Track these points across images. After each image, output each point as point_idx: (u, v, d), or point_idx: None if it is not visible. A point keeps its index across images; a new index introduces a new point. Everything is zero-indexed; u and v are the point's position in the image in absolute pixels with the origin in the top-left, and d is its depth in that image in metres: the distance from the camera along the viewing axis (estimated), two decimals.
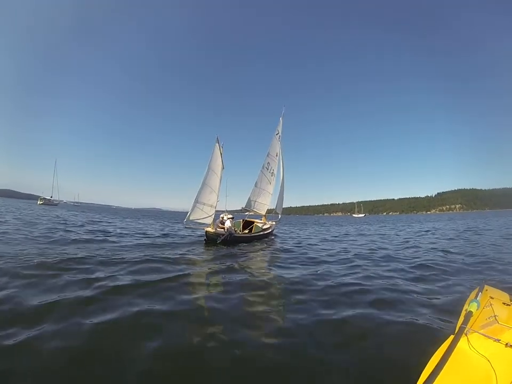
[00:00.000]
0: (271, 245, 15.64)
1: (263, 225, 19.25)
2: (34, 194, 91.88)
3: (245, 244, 14.92)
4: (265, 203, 20.41)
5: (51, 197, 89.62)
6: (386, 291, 6.16)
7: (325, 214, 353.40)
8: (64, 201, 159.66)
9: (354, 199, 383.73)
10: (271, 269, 9.10)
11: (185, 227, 19.83)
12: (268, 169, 20.00)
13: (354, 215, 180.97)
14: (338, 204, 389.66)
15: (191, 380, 3.11)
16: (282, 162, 21.56)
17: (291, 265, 9.36)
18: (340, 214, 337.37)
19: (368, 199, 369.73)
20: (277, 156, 20.61)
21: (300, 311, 5.05)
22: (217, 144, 15.90)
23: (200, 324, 4.51)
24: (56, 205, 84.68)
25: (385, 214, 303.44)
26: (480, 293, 3.46)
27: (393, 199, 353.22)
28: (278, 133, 20.77)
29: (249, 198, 19.41)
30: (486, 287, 3.74)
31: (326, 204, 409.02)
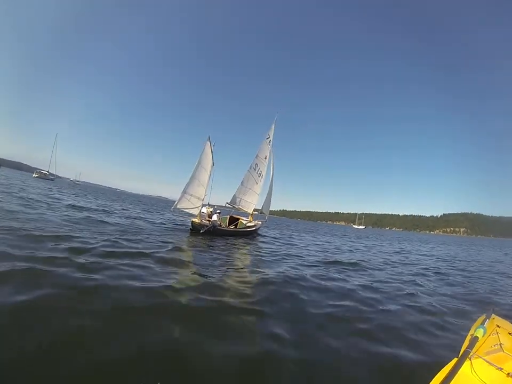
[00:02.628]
0: (249, 240, 17.46)
1: (248, 222, 20.89)
2: (42, 169, 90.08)
3: (227, 237, 16.60)
4: (251, 202, 21.93)
5: (47, 172, 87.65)
6: None
7: (328, 222, 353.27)
8: (71, 179, 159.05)
9: (360, 210, 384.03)
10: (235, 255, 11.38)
11: (172, 214, 21.92)
12: (255, 170, 21.61)
13: (354, 226, 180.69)
14: (343, 213, 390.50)
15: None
16: (273, 166, 23.18)
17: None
18: (342, 223, 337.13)
19: (373, 212, 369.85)
20: (266, 158, 22.18)
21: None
22: (209, 142, 17.64)
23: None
24: (52, 179, 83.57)
25: (388, 228, 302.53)
26: (487, 320, 3.52)
27: (398, 215, 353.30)
28: (269, 137, 22.33)
29: (234, 195, 21.03)
30: (493, 315, 3.78)
31: (331, 211, 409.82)
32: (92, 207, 21.75)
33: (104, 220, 14.97)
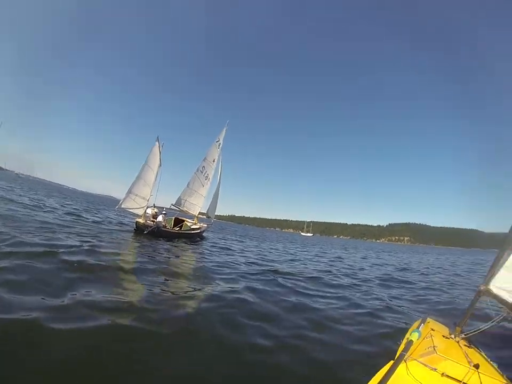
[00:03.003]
0: (191, 243, 17.60)
1: (192, 225, 21.01)
2: None
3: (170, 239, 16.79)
4: (197, 204, 22.04)
5: None
6: None
7: (277, 229, 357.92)
8: (16, 172, 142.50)
9: (309, 218, 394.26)
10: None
11: (117, 213, 21.38)
12: (202, 173, 21.80)
13: (302, 234, 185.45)
14: (292, 220, 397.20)
15: None
16: (221, 169, 23.44)
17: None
18: (291, 230, 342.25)
19: (322, 220, 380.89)
20: (214, 161, 22.47)
21: None
22: (157, 143, 17.69)
23: None
24: None
25: (336, 236, 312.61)
26: (422, 324, 3.81)
27: (346, 224, 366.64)
28: (219, 141, 22.71)
29: (179, 197, 21.05)
30: (428, 319, 4.10)
31: (280, 218, 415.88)
32: (25, 201, 20.30)
33: (30, 216, 13.91)
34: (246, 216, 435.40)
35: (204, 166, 21.84)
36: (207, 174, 22.24)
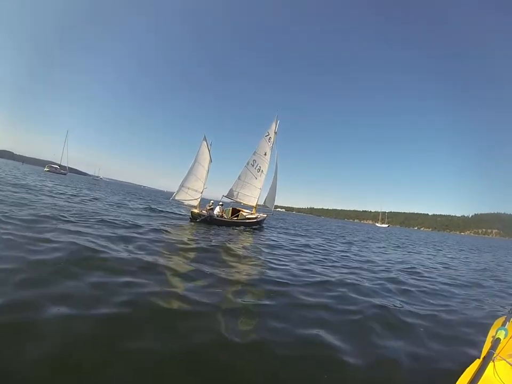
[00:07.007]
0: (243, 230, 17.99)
1: (248, 215, 21.67)
2: (54, 162, 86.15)
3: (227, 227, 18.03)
4: (251, 195, 22.52)
5: (58, 166, 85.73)
6: None
7: (355, 220, 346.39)
8: (101, 177, 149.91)
9: (388, 209, 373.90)
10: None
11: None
12: (253, 166, 22.10)
13: (377, 225, 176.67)
14: (370, 211, 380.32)
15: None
16: (277, 162, 23.81)
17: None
18: (370, 221, 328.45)
19: (402, 210, 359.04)
20: (265, 155, 22.59)
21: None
22: (205, 142, 18.58)
23: None
24: (64, 174, 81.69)
25: (416, 228, 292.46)
26: (507, 322, 3.24)
27: (427, 214, 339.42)
28: (268, 135, 22.74)
29: (231, 188, 21.67)
30: None
31: (359, 210, 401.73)
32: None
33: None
34: (324, 208, 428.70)
35: (254, 160, 22.11)
36: (260, 167, 22.47)
